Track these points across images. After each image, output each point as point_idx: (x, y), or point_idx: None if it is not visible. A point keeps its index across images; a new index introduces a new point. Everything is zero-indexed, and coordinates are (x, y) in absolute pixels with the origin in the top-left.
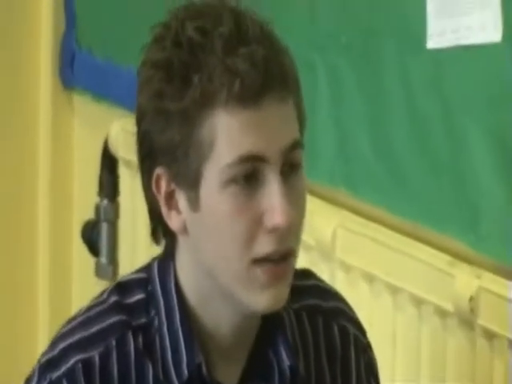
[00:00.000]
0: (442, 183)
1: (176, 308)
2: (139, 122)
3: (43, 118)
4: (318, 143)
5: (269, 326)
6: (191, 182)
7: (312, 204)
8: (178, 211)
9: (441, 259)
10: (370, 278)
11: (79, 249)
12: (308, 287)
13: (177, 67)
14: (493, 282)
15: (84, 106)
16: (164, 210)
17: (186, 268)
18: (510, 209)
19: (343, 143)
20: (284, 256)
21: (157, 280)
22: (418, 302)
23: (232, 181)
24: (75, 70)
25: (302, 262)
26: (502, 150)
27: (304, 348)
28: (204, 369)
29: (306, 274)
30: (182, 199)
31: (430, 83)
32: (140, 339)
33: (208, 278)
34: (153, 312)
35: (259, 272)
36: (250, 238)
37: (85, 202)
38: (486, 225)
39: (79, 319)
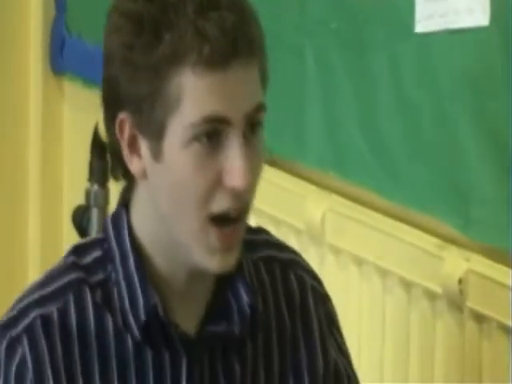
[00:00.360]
0: (430, 167)
1: (130, 252)
2: (106, 66)
3: (33, 104)
4: (307, 128)
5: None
6: (155, 133)
7: (302, 188)
8: (140, 156)
9: (430, 242)
10: (360, 261)
11: (69, 233)
12: (262, 241)
13: (147, 22)
14: (481, 265)
15: (74, 92)
16: (126, 153)
17: (142, 212)
18: (498, 192)
19: (332, 128)
20: (239, 213)
21: (111, 231)
22: (407, 284)
23: (195, 139)
24: (65, 55)
25: (292, 245)
26: (489, 134)
27: (263, 294)
28: (160, 310)
29: (259, 229)
30: (144, 146)
31: (418, 68)
32: (98, 294)
33: (162, 224)
34: (109, 267)
35: (212, 235)
36: (208, 196)
37: (75, 187)
38: (474, 208)
39: (38, 281)
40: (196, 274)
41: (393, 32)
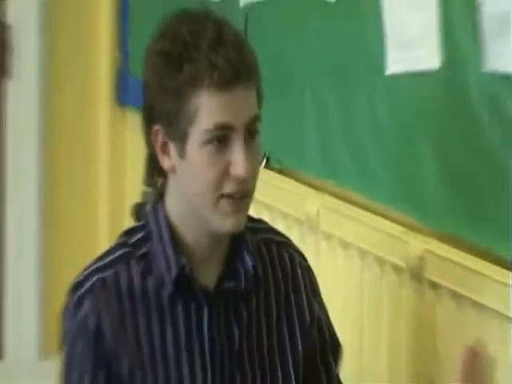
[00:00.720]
0: (398, 176)
1: (164, 231)
2: (144, 91)
3: (103, 129)
4: (306, 146)
5: (236, 242)
6: (180, 138)
7: (302, 190)
8: (169, 156)
9: (398, 230)
10: (345, 245)
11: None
12: (262, 227)
13: (173, 57)
14: (437, 247)
15: (134, 119)
16: (159, 154)
17: (173, 199)
18: (446, 195)
19: (325, 146)
20: (243, 195)
21: (151, 217)
22: (381, 262)
23: (209, 142)
24: (128, 92)
25: (294, 233)
26: (443, 155)
27: (263, 264)
28: (187, 269)
29: (260, 220)
30: (172, 149)
31: (389, 102)
32: (141, 263)
33: (188, 206)
34: (149, 244)
35: (224, 204)
36: (219, 182)
37: (135, 191)
38: (429, 205)
39: (98, 256)
40: (215, 240)
41: (369, 73)
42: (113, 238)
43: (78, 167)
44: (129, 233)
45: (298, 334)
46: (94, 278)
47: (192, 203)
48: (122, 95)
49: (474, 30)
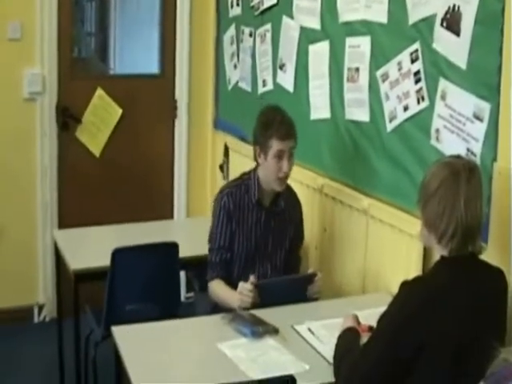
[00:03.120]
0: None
1: (255, 180)
2: (255, 134)
3: (209, 136)
4: (308, 155)
5: (278, 193)
6: (265, 153)
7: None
8: (260, 158)
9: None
10: (335, 202)
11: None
12: (288, 187)
13: (265, 124)
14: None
15: (220, 136)
16: (257, 157)
17: (260, 172)
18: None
19: (319, 155)
20: (285, 178)
21: (252, 173)
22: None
23: (275, 156)
24: (218, 124)
25: (309, 195)
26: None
27: (286, 202)
28: (260, 199)
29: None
30: (262, 156)
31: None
32: (243, 188)
33: (264, 176)
34: (249, 182)
35: (278, 180)
36: (277, 172)
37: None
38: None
39: (231, 181)
40: (272, 191)
41: None
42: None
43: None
44: (243, 175)
45: (290, 236)
46: (227, 190)
47: (266, 176)
48: (216, 126)
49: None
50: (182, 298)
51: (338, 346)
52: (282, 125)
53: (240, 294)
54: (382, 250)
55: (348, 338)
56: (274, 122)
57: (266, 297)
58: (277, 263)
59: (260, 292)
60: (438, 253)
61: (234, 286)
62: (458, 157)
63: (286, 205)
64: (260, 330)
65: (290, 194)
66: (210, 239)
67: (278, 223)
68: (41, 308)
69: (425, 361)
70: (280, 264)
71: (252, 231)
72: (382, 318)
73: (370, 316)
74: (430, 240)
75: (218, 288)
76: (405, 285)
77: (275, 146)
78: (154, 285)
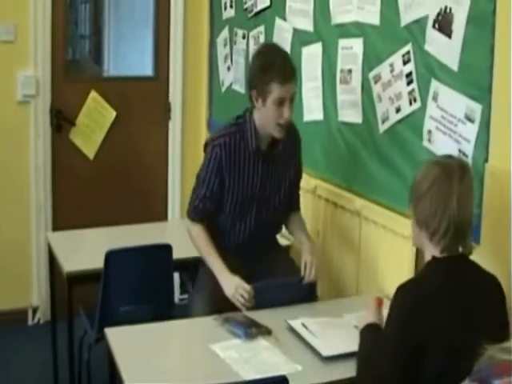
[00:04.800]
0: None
1: (251, 125)
2: (250, 78)
3: (203, 136)
4: (307, 159)
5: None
6: (263, 99)
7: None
8: (258, 102)
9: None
10: (327, 202)
11: None
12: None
13: (264, 67)
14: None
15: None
16: (254, 101)
17: (256, 117)
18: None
19: (312, 157)
20: (286, 124)
21: (248, 117)
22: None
23: (275, 103)
24: (211, 126)
25: (302, 197)
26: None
27: (285, 143)
28: (257, 145)
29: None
30: (259, 101)
31: None
32: (238, 135)
33: (261, 122)
34: (244, 128)
35: (278, 126)
36: (277, 119)
37: None
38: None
39: (224, 127)
40: (269, 135)
41: None
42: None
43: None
44: (237, 119)
45: (289, 176)
46: (220, 140)
47: (264, 122)
48: (210, 127)
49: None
50: (176, 300)
51: (360, 346)
52: (283, 68)
53: (236, 290)
54: (376, 251)
55: (369, 337)
56: (274, 65)
57: (262, 300)
58: (275, 205)
59: (255, 295)
60: (428, 252)
61: (227, 236)
62: (450, 156)
63: (285, 146)
64: (253, 331)
65: (287, 133)
66: (197, 182)
67: (277, 167)
68: (35, 310)
69: (423, 361)
70: (279, 205)
71: (249, 180)
72: (386, 325)
73: (364, 317)
74: (420, 238)
75: (200, 241)
76: (400, 289)
77: (276, 91)
78: (147, 286)
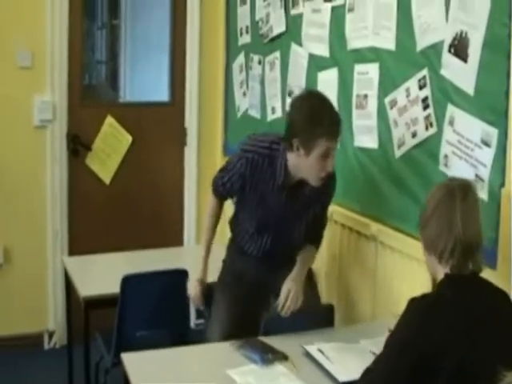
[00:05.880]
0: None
1: (283, 162)
2: (293, 125)
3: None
4: None
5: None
6: (307, 151)
7: None
8: (299, 151)
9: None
10: (342, 225)
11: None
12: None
13: (312, 118)
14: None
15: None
16: (294, 148)
17: (290, 159)
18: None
19: None
20: (326, 174)
21: (280, 152)
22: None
23: (320, 156)
24: (227, 150)
25: None
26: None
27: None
28: (284, 180)
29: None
30: (301, 151)
31: None
32: (268, 160)
33: (295, 167)
34: (276, 156)
35: (319, 178)
36: (320, 171)
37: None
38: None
39: (259, 139)
40: (301, 178)
41: None
42: None
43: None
44: (271, 144)
45: (314, 211)
46: (251, 155)
47: (302, 170)
48: (226, 152)
49: None
50: (192, 325)
51: None
52: (333, 124)
53: (194, 286)
54: (392, 276)
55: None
56: (324, 119)
57: (278, 326)
58: (294, 236)
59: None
60: (439, 276)
61: (246, 242)
62: (453, 179)
63: (313, 189)
64: (270, 356)
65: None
66: (225, 166)
67: (300, 202)
68: (51, 335)
69: (426, 376)
70: (298, 236)
71: (268, 205)
72: (392, 335)
73: (380, 343)
74: (431, 263)
75: (206, 217)
76: (412, 301)
77: (323, 146)
78: (163, 311)
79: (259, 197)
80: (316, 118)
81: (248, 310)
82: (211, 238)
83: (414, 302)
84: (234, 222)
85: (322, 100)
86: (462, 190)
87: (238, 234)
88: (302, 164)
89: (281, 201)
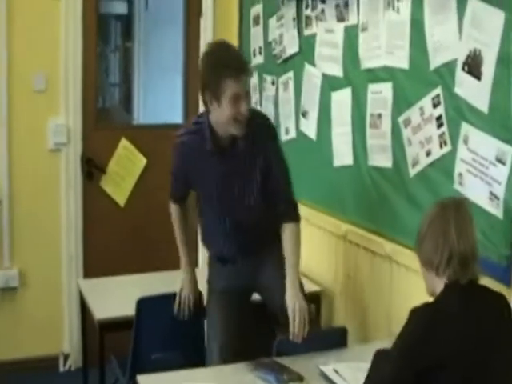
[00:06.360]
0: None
1: (207, 126)
2: (203, 79)
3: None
4: (331, 202)
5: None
6: (217, 99)
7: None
8: (213, 104)
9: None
10: (357, 244)
11: None
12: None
13: (217, 66)
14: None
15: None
16: (208, 104)
17: (212, 117)
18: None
19: (342, 202)
20: (244, 120)
21: (205, 117)
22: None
23: (230, 101)
24: None
25: (333, 242)
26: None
27: (247, 138)
28: (215, 146)
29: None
30: (214, 103)
31: None
32: (198, 136)
33: (218, 121)
34: (202, 127)
35: (236, 123)
36: (235, 116)
37: None
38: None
39: (187, 124)
40: (228, 133)
41: None
42: None
43: None
44: (197, 119)
45: (260, 171)
46: (184, 137)
47: (221, 122)
48: None
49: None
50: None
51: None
52: (238, 65)
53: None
54: (407, 295)
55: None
56: (229, 62)
57: (292, 348)
58: (250, 204)
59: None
60: (439, 289)
61: (215, 240)
62: (449, 197)
63: (247, 141)
64: (285, 377)
65: (248, 128)
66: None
67: (239, 165)
68: (66, 357)
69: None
70: (254, 204)
71: (210, 181)
72: (395, 345)
73: None
74: (430, 280)
75: (175, 225)
76: (413, 311)
77: (231, 87)
78: (178, 333)
79: (203, 176)
80: (220, 62)
81: (243, 320)
82: (185, 239)
83: (415, 312)
84: (202, 232)
85: (226, 47)
86: (455, 204)
87: (209, 243)
88: (218, 116)
89: (219, 167)
